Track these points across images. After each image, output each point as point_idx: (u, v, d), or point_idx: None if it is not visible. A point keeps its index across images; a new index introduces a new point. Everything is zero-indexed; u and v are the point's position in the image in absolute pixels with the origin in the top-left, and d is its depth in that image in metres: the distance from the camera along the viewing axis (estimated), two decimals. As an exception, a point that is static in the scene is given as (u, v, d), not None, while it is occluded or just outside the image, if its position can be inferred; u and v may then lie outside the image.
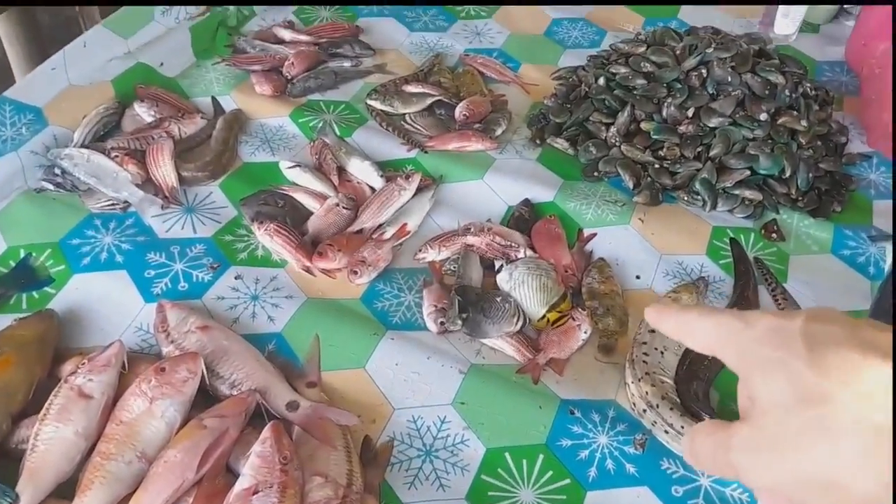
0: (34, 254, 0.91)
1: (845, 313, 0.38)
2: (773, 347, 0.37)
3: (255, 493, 0.65)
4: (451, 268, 0.94)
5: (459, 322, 0.84)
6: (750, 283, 0.92)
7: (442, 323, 0.85)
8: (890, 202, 1.09)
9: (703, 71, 1.08)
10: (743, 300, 0.90)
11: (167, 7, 1.25)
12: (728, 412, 0.80)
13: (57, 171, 0.98)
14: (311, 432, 0.72)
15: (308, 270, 0.91)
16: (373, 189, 1.03)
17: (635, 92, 1.10)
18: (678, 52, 1.13)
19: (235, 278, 0.89)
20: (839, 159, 1.12)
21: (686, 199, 1.04)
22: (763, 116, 1.04)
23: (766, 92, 1.07)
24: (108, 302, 0.86)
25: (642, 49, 1.15)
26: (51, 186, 0.98)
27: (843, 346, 0.35)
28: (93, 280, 0.88)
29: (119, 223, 0.95)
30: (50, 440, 0.69)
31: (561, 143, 1.12)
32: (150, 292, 0.87)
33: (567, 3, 1.46)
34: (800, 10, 1.39)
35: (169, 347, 0.79)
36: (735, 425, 0.39)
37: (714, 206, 1.02)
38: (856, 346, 0.34)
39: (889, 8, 1.24)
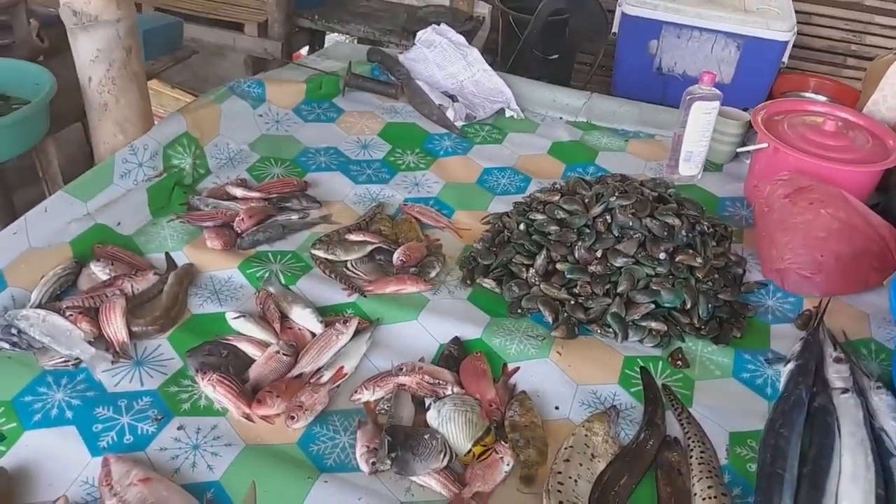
0: (-13, 413, 0.96)
1: None
2: None
3: None
4: (385, 407, 1.00)
5: (389, 462, 0.89)
6: (658, 409, 1.01)
7: (373, 463, 0.91)
8: (786, 326, 1.20)
9: (608, 217, 1.22)
10: (651, 426, 0.98)
11: (126, 171, 1.36)
12: (640, 536, 0.85)
13: (14, 330, 1.05)
14: (245, 579, 0.76)
15: (248, 417, 0.97)
16: (313, 334, 1.11)
17: (550, 237, 1.23)
18: (587, 199, 1.27)
19: (178, 429, 0.95)
20: (737, 289, 1.24)
21: (599, 331, 1.14)
22: (662, 255, 1.17)
23: (665, 233, 1.20)
24: (57, 457, 0.91)
25: (557, 198, 1.29)
26: (7, 345, 1.04)
27: None
28: (43, 437, 0.93)
29: (70, 379, 1.01)
30: None
31: (489, 283, 1.23)
32: (96, 446, 0.92)
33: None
34: (700, 154, 1.56)
35: (112, 500, 0.84)
36: None
37: (626, 338, 1.12)
38: None
39: (772, 151, 1.42)
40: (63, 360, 1.03)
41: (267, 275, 1.22)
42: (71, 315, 1.07)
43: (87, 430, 0.94)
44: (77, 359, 1.03)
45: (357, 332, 1.11)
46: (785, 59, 2.18)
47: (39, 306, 1.09)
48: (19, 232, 1.20)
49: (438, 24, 2.00)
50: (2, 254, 1.17)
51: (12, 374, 1.01)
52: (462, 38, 1.95)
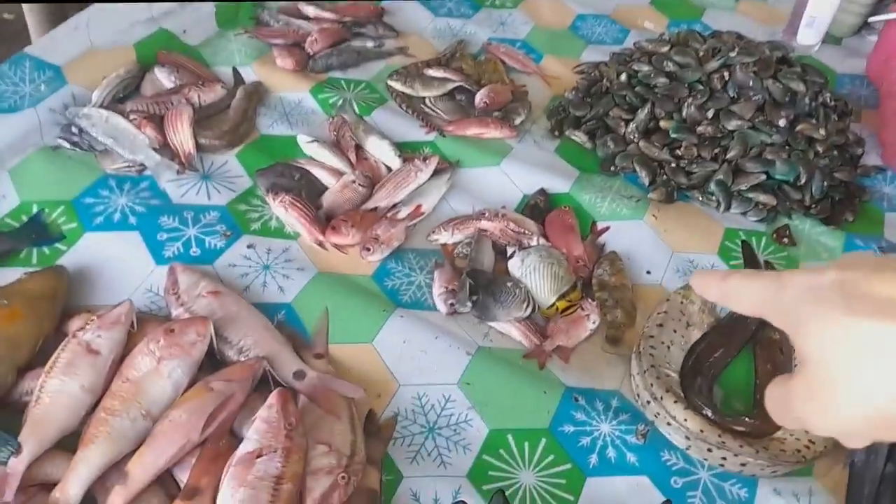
0: (47, 210, 0.91)
1: (872, 255, 0.40)
2: (810, 304, 0.39)
3: (259, 456, 0.65)
4: (464, 251, 0.94)
5: (469, 304, 0.84)
6: (760, 285, 0.92)
7: (452, 304, 0.85)
8: (902, 216, 1.09)
9: (726, 74, 1.08)
10: (752, 302, 0.90)
11: (192, -25, 1.24)
12: (731, 410, 0.80)
13: (74, 129, 0.98)
14: (317, 402, 0.72)
15: (321, 244, 0.91)
16: (389, 169, 1.03)
17: (656, 90, 1.10)
18: (701, 53, 1.13)
19: (248, 247, 0.89)
20: (854, 170, 1.12)
21: (700, 198, 1.04)
22: (782, 122, 1.04)
23: (786, 99, 1.07)
24: (119, 262, 0.86)
25: (666, 48, 1.15)
26: (67, 144, 0.97)
27: (874, 289, 0.37)
28: (104, 239, 0.88)
29: (134, 185, 0.95)
30: (55, 393, 0.69)
31: (579, 136, 1.12)
32: (161, 255, 0.87)
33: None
34: (824, 22, 1.38)
35: (179, 310, 0.79)
36: (792, 380, 0.41)
37: (728, 208, 1.02)
38: (886, 285, 0.37)
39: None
40: (126, 164, 0.96)
41: (340, 102, 1.12)
42: (135, 119, 1.00)
43: (152, 238, 0.89)
44: (141, 165, 0.96)
45: (435, 172, 1.02)
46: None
47: (102, 107, 1.02)
48: (80, 28, 1.11)
49: None
50: (61, 50, 1.09)
51: (73, 173, 0.95)
52: None
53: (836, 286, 0.39)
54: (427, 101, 1.16)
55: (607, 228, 0.99)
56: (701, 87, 1.08)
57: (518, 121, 1.14)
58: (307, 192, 0.97)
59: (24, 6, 1.69)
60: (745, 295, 0.44)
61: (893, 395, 0.36)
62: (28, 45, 1.10)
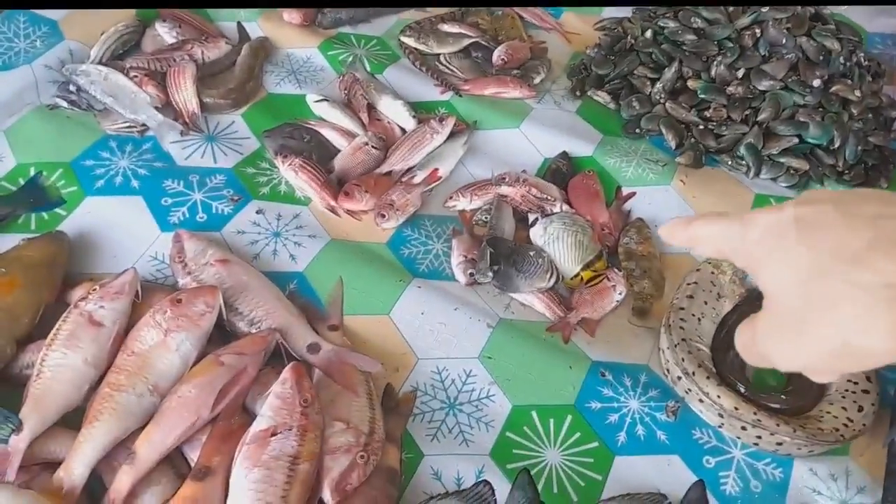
0: (45, 173, 0.86)
1: (830, 191, 0.41)
2: (772, 241, 0.40)
3: (274, 434, 0.61)
4: (483, 218, 0.89)
5: (490, 274, 0.80)
6: (793, 255, 0.88)
7: (472, 274, 0.81)
8: (939, 182, 1.04)
9: (757, 31, 1.03)
10: (785, 272, 0.86)
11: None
12: (763, 384, 0.76)
13: (72, 87, 0.93)
14: (333, 377, 0.69)
15: (333, 210, 0.87)
16: (403, 130, 0.98)
17: (684, 48, 1.04)
18: (731, 9, 1.07)
19: (257, 213, 0.85)
20: (888, 134, 1.06)
21: (730, 163, 0.99)
22: (816, 83, 0.99)
23: (821, 58, 1.01)
24: (122, 228, 0.82)
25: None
26: (65, 103, 0.93)
27: (831, 222, 0.38)
28: (106, 204, 0.84)
29: (136, 147, 0.90)
30: (57, 367, 0.66)
31: (602, 97, 1.07)
32: (166, 221, 0.83)
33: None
34: (856, -24, 1.31)
35: (186, 279, 0.75)
36: (758, 317, 0.42)
37: (758, 173, 0.97)
38: (844, 220, 0.38)
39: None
40: (127, 124, 0.92)
41: (351, 59, 1.07)
42: (136, 76, 0.95)
43: (156, 203, 0.84)
44: (143, 125, 0.92)
45: (452, 134, 0.97)
46: None
47: (101, 63, 0.97)
48: (75, -21, 1.05)
49: None
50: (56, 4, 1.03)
51: (72, 134, 0.91)
52: None
53: (795, 222, 0.39)
54: (442, 58, 1.10)
55: (633, 194, 0.94)
56: (731, 44, 1.03)
57: (538, 79, 1.09)
58: (318, 154, 0.92)
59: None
60: (710, 238, 0.45)
61: (855, 327, 0.36)
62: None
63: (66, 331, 0.68)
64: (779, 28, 1.02)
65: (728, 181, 0.98)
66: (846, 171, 1.00)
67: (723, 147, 0.99)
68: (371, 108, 1.00)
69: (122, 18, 1.03)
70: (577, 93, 1.08)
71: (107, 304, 0.69)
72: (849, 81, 1.02)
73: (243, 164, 0.91)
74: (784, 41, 1.02)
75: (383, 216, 0.85)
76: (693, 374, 0.73)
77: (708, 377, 0.72)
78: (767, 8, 1.03)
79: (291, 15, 1.10)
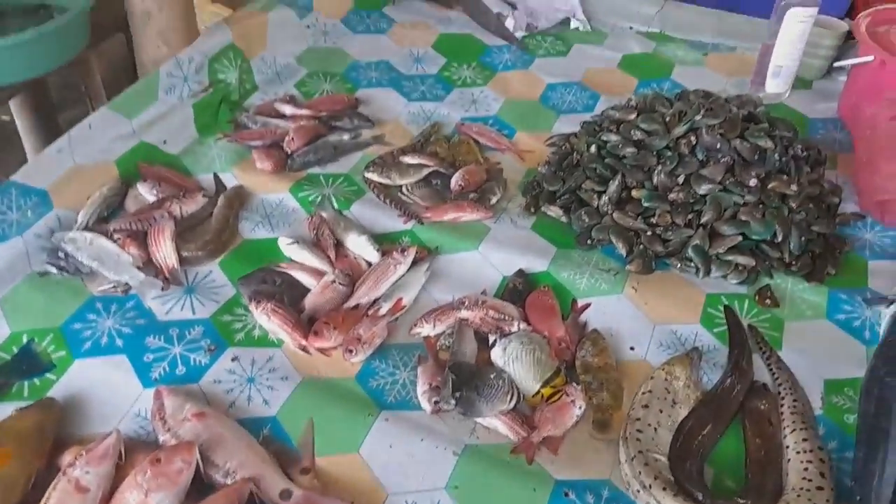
0: (36, 339, 0.92)
1: None
2: None
3: (247, 589, 0.65)
4: (446, 343, 0.94)
5: (453, 401, 0.84)
6: (744, 352, 0.92)
7: (436, 402, 0.85)
8: (886, 262, 1.08)
9: (693, 138, 1.10)
10: (737, 370, 0.90)
11: (171, 85, 1.28)
12: (723, 489, 0.79)
13: (60, 254, 1.01)
14: (305, 522, 0.72)
15: (304, 349, 0.92)
16: (369, 263, 1.05)
17: (625, 160, 1.12)
18: (668, 118, 1.15)
19: (232, 360, 0.90)
20: (832, 220, 1.12)
21: (679, 266, 1.04)
22: (752, 182, 1.05)
23: (756, 157, 1.08)
24: (108, 388, 0.87)
25: (633, 116, 1.17)
26: (54, 270, 1.00)
27: None
28: (93, 366, 0.90)
29: (120, 306, 0.97)
30: (48, 534, 0.70)
31: (555, 211, 1.14)
32: (148, 377, 0.88)
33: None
34: (790, 70, 1.41)
35: (165, 436, 0.80)
36: None
37: (707, 273, 1.03)
38: None
39: (879, 66, 1.26)
40: (112, 285, 0.99)
41: (319, 199, 1.15)
42: (118, 238, 1.03)
43: (139, 361, 0.90)
44: (126, 285, 0.99)
45: (415, 262, 1.04)
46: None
47: (86, 229, 1.05)
48: (63, 150, 1.15)
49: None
50: (46, 173, 1.12)
51: (61, 299, 0.97)
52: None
53: None
54: (404, 188, 1.18)
55: (588, 306, 1.00)
56: (669, 153, 1.10)
57: (494, 200, 1.16)
58: (289, 296, 0.98)
59: (13, 109, 1.72)
60: None
61: None
62: (19, 148, 1.12)
63: (55, 499, 0.73)
64: (712, 134, 1.09)
65: (679, 283, 1.03)
66: (793, 262, 1.05)
67: (671, 251, 1.05)
68: (338, 244, 1.07)
69: (106, 181, 1.12)
70: (532, 209, 1.15)
71: (91, 470, 0.74)
72: (784, 177, 1.08)
73: (220, 313, 0.97)
74: (719, 145, 1.09)
75: (351, 351, 0.90)
76: (650, 487, 0.76)
77: (664, 488, 0.75)
78: (701, 115, 1.11)
79: (264, 163, 1.20)
